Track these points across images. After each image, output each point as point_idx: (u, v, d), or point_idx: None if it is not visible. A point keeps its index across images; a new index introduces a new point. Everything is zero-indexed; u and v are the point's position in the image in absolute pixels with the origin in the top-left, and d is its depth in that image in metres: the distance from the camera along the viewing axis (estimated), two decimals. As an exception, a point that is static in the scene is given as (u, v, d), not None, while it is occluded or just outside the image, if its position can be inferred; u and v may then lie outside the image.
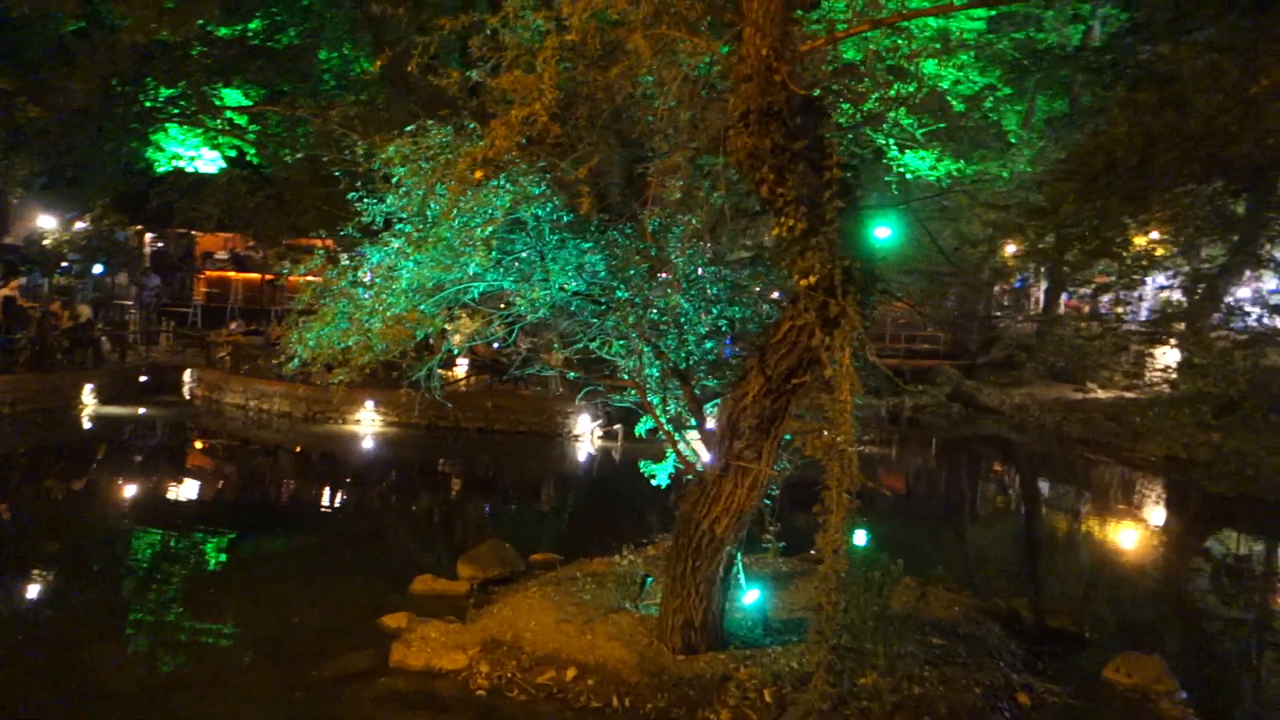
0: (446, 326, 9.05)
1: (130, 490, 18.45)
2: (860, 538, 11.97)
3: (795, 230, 6.86)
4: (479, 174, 6.82)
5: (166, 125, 28.99)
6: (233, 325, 27.59)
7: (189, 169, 38.08)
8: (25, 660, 9.83)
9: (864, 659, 9.05)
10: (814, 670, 7.61)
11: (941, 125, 23.31)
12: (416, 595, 11.76)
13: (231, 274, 36.03)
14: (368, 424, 23.74)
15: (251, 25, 31.08)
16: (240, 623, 11.17)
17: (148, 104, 26.10)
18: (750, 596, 10.05)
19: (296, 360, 9.12)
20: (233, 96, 32.35)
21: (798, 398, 8.11)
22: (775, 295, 10.72)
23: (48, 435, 22.17)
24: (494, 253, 8.64)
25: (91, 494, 18.11)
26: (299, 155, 24.87)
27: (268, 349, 25.93)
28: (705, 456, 9.29)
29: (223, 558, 14.37)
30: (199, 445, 23.17)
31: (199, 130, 35.32)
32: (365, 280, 9.17)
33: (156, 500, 17.74)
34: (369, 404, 23.75)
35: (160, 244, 39.26)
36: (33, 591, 12.46)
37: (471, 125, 8.70)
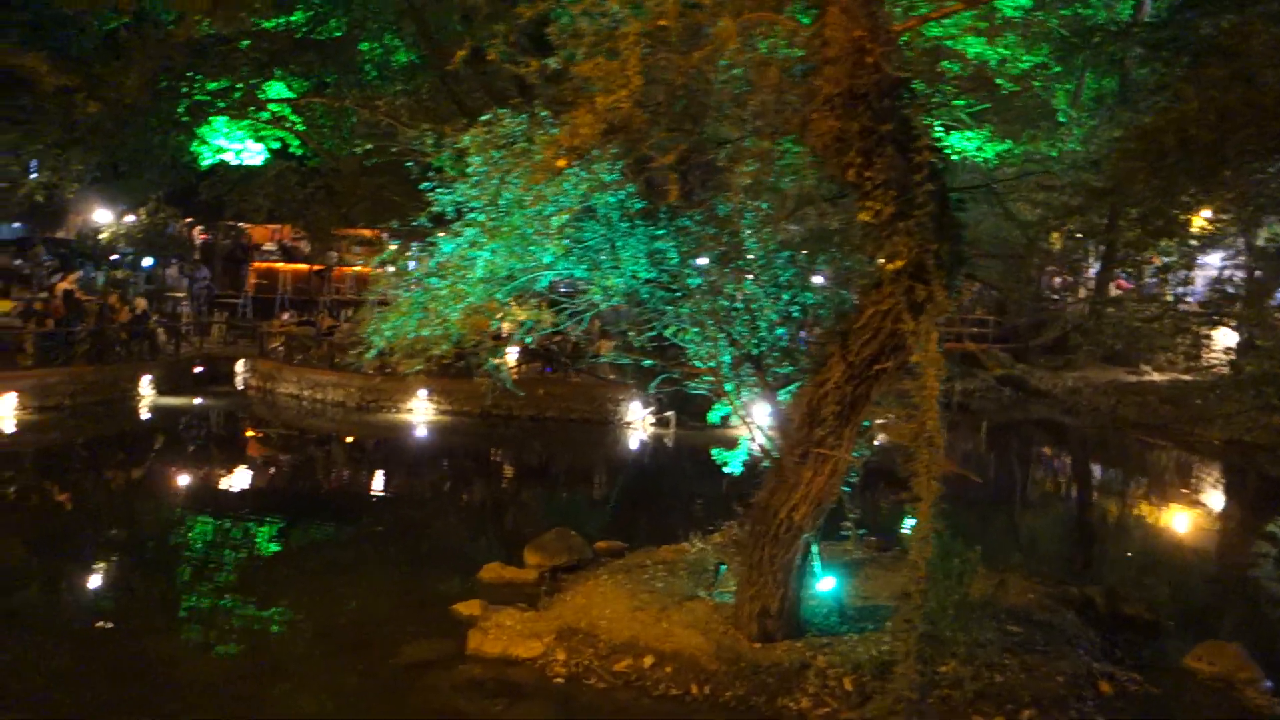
0: (522, 316, 9.00)
1: (189, 479, 18.66)
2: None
3: (883, 214, 6.76)
4: (562, 162, 6.78)
5: (211, 119, 29.15)
6: (285, 316, 27.84)
7: (234, 162, 38.46)
8: (98, 649, 9.99)
9: (944, 647, 8.95)
10: (900, 659, 7.53)
11: (988, 105, 22.97)
12: (486, 583, 11.79)
13: (280, 265, 36.33)
14: (420, 413, 23.86)
15: (294, 18, 31.21)
16: (312, 610, 11.27)
17: (197, 97, 26.28)
18: (825, 584, 9.98)
19: (373, 350, 9.12)
20: (277, 89, 32.56)
21: (879, 384, 8.01)
22: (818, 281, 10.63)
23: (107, 426, 22.49)
24: (565, 241, 8.60)
25: (150, 483, 18.34)
26: (360, 147, 24.87)
27: (320, 339, 26.16)
28: (780, 443, 9.22)
29: (286, 546, 14.52)
30: (255, 435, 23.41)
31: (244, 123, 35.63)
32: (437, 270, 9.14)
33: (215, 489, 17.95)
34: (422, 393, 23.87)
35: (207, 236, 39.64)
36: (99, 580, 12.66)
37: (544, 114, 8.65)
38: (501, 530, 16.11)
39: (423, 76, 29.47)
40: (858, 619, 9.97)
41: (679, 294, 9.40)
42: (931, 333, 6.99)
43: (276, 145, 42.05)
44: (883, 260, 7.05)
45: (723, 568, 10.31)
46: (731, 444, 13.35)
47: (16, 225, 33.63)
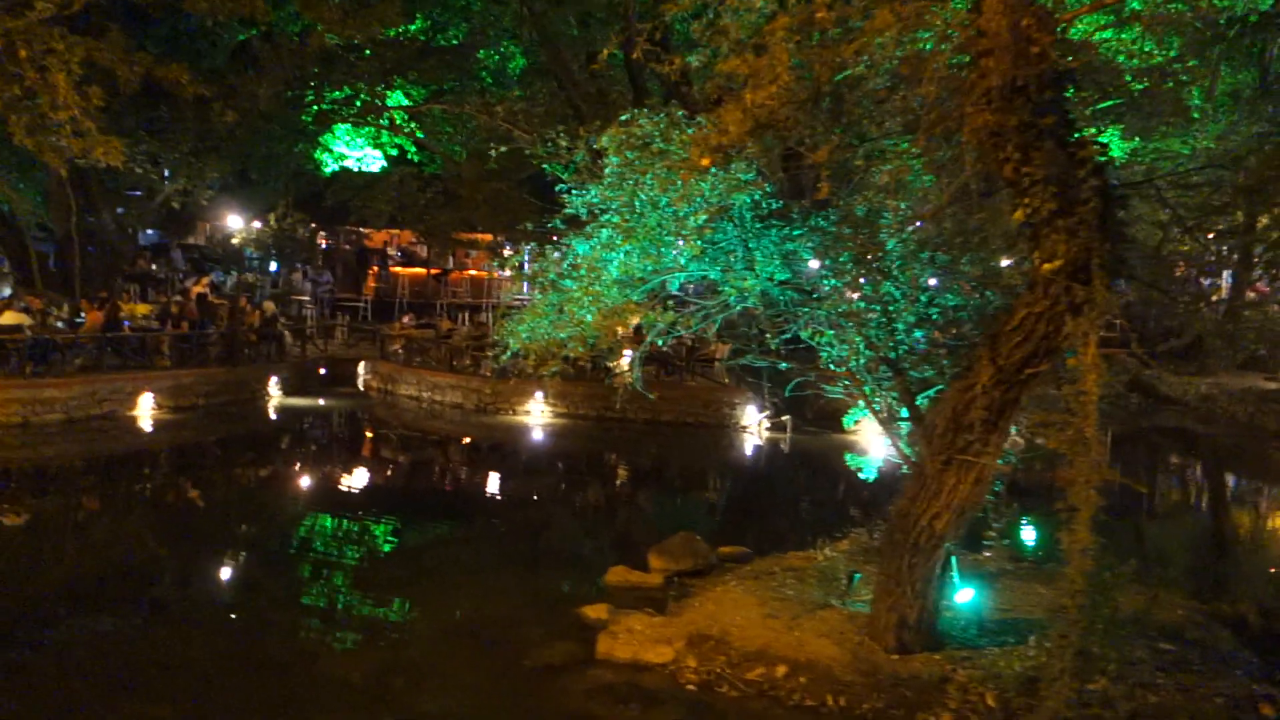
0: (659, 319, 8.93)
1: (314, 478, 19.13)
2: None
3: (1040, 212, 6.48)
4: (706, 160, 6.67)
5: (334, 127, 29.98)
6: (405, 319, 28.39)
7: (355, 169, 39.50)
8: (236, 643, 10.22)
9: (1094, 663, 8.54)
10: (1053, 675, 7.22)
11: (1119, 100, 22.11)
12: (611, 586, 11.75)
13: (399, 269, 37.11)
14: (537, 415, 24.04)
15: (414, 27, 31.89)
16: (438, 609, 11.39)
17: (324, 106, 27.05)
18: (964, 595, 9.67)
19: (509, 353, 9.15)
20: (396, 97, 33.32)
21: (1029, 389, 7.70)
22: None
23: (237, 425, 23.21)
24: (699, 242, 8.49)
25: (277, 481, 18.85)
26: (493, 150, 25.19)
27: (439, 342, 26.60)
28: (921, 449, 8.94)
29: (410, 544, 14.71)
30: (376, 435, 23.87)
31: (365, 131, 36.54)
32: (570, 271, 9.14)
33: (338, 487, 18.36)
34: (538, 395, 24.04)
35: (328, 241, 40.77)
36: (230, 575, 12.99)
37: (680, 113, 8.56)
38: (621, 533, 16.08)
39: (540, 82, 29.83)
40: (997, 632, 9.63)
41: (814, 295, 9.21)
42: (1091, 335, 6.69)
43: (394, 152, 43.13)
44: (1038, 260, 6.75)
45: (857, 576, 10.08)
46: (851, 449, 13.05)
47: (150, 231, 35.14)
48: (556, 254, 9.34)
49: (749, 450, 22.54)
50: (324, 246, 39.89)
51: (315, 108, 26.89)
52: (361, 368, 29.34)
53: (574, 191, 8.98)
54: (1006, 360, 7.48)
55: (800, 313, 9.22)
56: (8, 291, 24.75)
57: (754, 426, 23.58)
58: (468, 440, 23.34)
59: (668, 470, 21.18)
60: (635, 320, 8.82)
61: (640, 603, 10.91)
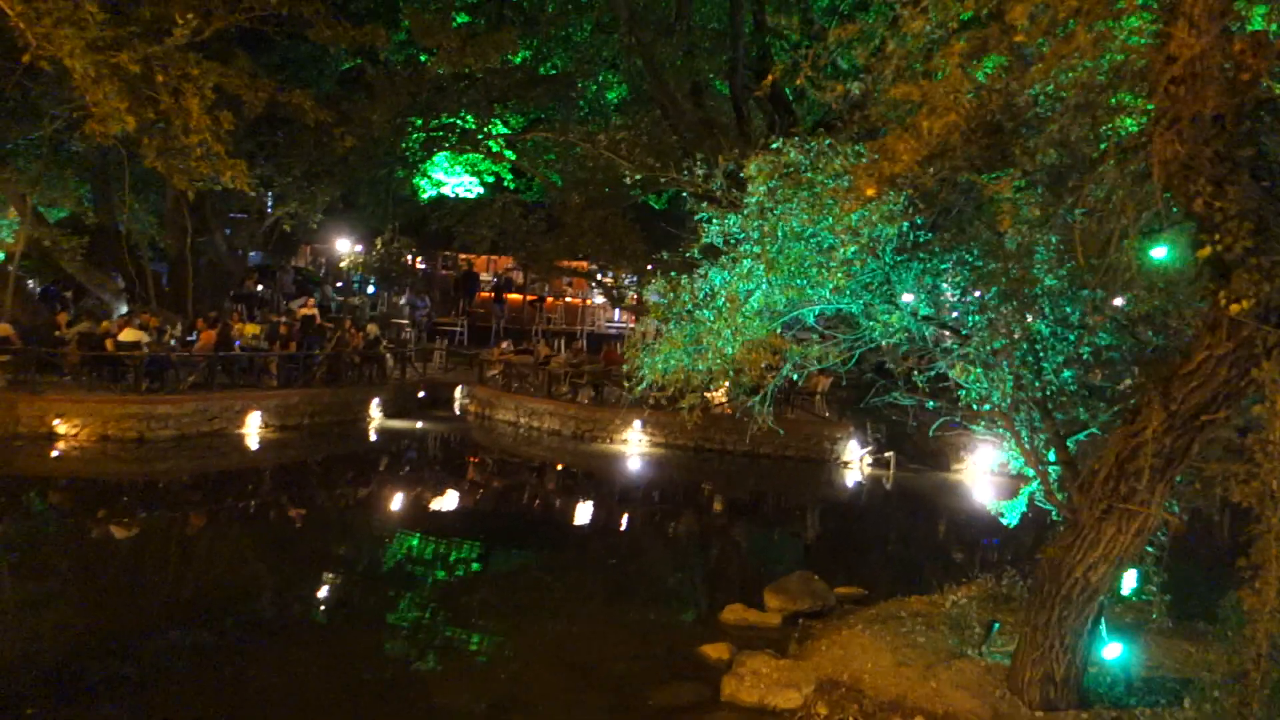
0: (805, 352, 8.67)
1: (414, 501, 19.15)
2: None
3: (1234, 249, 6.09)
4: (873, 190, 6.42)
5: (435, 154, 30.42)
6: (504, 345, 28.51)
7: (451, 195, 40.06)
8: (347, 670, 10.10)
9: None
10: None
11: None
12: (727, 625, 11.47)
13: (494, 295, 37.42)
14: (635, 444, 23.85)
15: (516, 58, 32.29)
16: (549, 642, 11.18)
17: (431, 134, 27.45)
18: (1111, 650, 9.16)
19: (644, 383, 8.97)
20: (494, 125, 33.70)
21: (1203, 436, 7.25)
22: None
23: (339, 446, 23.45)
24: (841, 274, 8.21)
25: (379, 503, 18.87)
26: (630, 177, 25.27)
27: (537, 368, 26.62)
28: (1075, 496, 8.50)
29: (514, 573, 14.55)
30: (476, 460, 23.89)
31: (464, 158, 37.07)
32: (704, 302, 8.93)
33: (439, 512, 18.37)
34: (636, 424, 23.88)
35: (424, 266, 41.32)
36: (336, 599, 12.91)
37: (827, 141, 8.33)
38: (727, 568, 15.79)
39: (639, 111, 29.90)
40: (1146, 691, 9.09)
41: (960, 332, 8.87)
42: (1280, 381, 6.25)
43: (490, 179, 43.65)
44: (1224, 300, 6.35)
45: (995, 626, 9.63)
46: (960, 489, 12.52)
47: (254, 254, 36.02)
48: (692, 284, 9.13)
49: (851, 486, 22.05)
50: (420, 272, 40.43)
51: (421, 135, 27.27)
52: (458, 392, 29.52)
53: (714, 221, 8.78)
54: (1180, 405, 7.06)
55: (946, 349, 8.87)
56: (124, 309, 25.43)
57: (855, 462, 23.10)
58: (566, 468, 23.23)
59: (770, 505, 20.82)
60: (778, 354, 8.56)
61: (759, 643, 10.59)
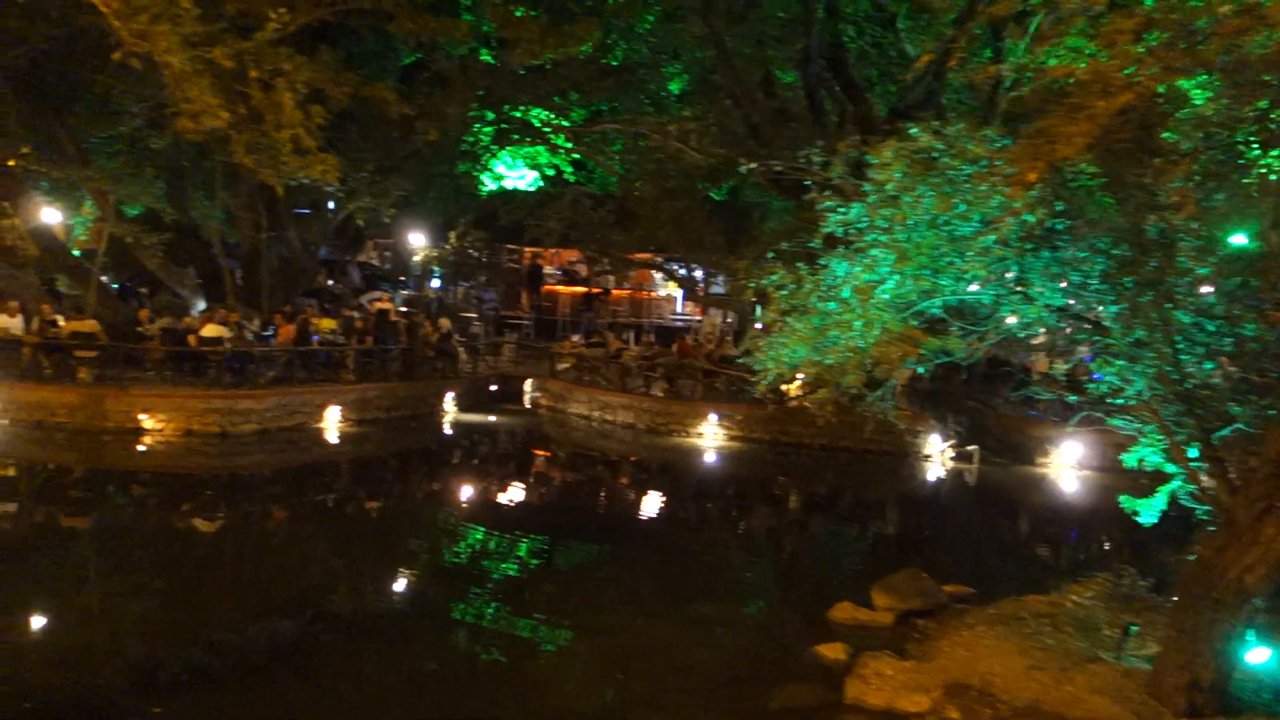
0: (946, 344, 8.37)
1: (493, 495, 19.11)
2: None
3: None
4: (1034, 175, 6.11)
5: (496, 147, 30.35)
6: (575, 338, 28.37)
7: (510, 188, 39.98)
8: (453, 675, 9.97)
9: None
10: None
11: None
12: (838, 623, 11.20)
13: (560, 288, 37.35)
14: (710, 438, 23.62)
15: (584, 48, 32.05)
16: (658, 641, 10.95)
17: (502, 127, 27.36)
18: (1257, 655, 8.76)
19: (770, 377, 8.71)
20: (545, 117, 33.46)
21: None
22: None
23: (415, 439, 23.48)
24: (983, 264, 7.88)
25: (458, 496, 18.83)
26: (733, 163, 24.88)
27: (610, 361, 26.46)
28: (1228, 495, 8.12)
29: (608, 570, 14.34)
30: (551, 453, 23.80)
31: (525, 150, 36.94)
32: (828, 293, 8.64)
33: (520, 506, 18.31)
34: (712, 417, 23.64)
35: (486, 258, 41.29)
36: (423, 594, 12.74)
37: (959, 125, 8.00)
38: (821, 564, 15.51)
39: (706, 101, 29.51)
40: (1292, 698, 8.70)
41: (1099, 322, 8.51)
42: None
43: (552, 172, 43.46)
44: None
45: (1133, 629, 9.26)
46: (1047, 484, 12.09)
47: (322, 250, 36.24)
48: (814, 275, 8.84)
49: (935, 481, 21.64)
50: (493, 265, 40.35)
51: (491, 129, 27.18)
52: (528, 385, 29.47)
53: (841, 209, 8.47)
54: (1355, 400, 6.67)
55: (1088, 341, 8.51)
56: (202, 304, 25.64)
57: (937, 456, 22.66)
58: (644, 462, 23.05)
59: (855, 499, 20.49)
60: (917, 346, 8.25)
61: (873, 643, 10.31)
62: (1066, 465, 21.95)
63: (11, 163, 21.40)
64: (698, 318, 38.79)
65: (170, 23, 12.50)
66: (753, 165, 14.95)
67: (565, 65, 25.56)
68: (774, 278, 8.85)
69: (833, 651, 10.07)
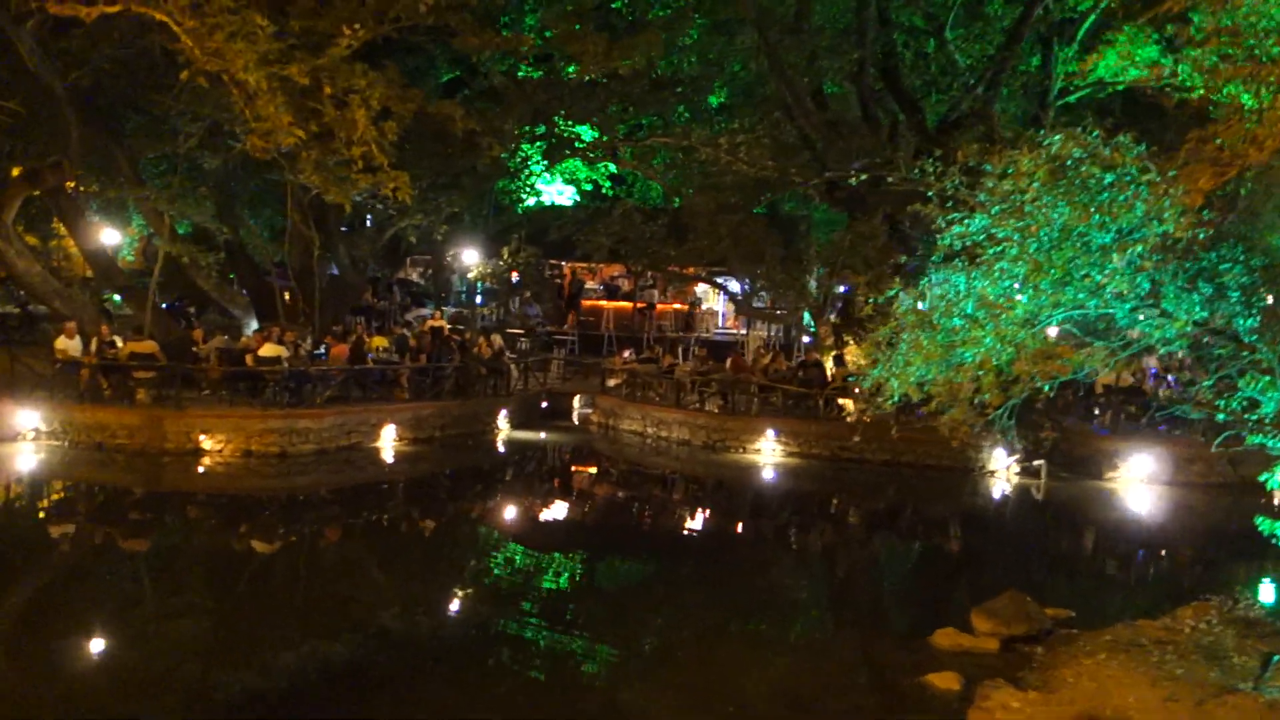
0: (1090, 360, 8.01)
1: (551, 514, 18.87)
2: None
3: None
4: (1208, 183, 5.76)
5: (559, 162, 30.19)
6: (626, 353, 28.06)
7: (548, 203, 39.87)
8: (557, 690, 9.69)
9: None
10: None
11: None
12: (940, 650, 10.80)
13: (604, 303, 37.10)
14: (768, 454, 23.23)
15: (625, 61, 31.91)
16: (759, 672, 10.57)
17: (550, 142, 27.19)
18: None
19: (895, 395, 8.37)
20: (586, 132, 33.29)
21: None
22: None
23: (469, 458, 23.21)
24: (1127, 276, 7.52)
25: (517, 517, 18.44)
26: (748, 182, 24.71)
27: (662, 376, 26.15)
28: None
29: (682, 593, 13.87)
30: (608, 471, 23.44)
31: (563, 165, 36.80)
32: (946, 309, 8.31)
33: (580, 526, 18.06)
34: (770, 433, 23.26)
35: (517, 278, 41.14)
36: (496, 620, 12.19)
37: (1095, 133, 7.67)
38: (907, 587, 15.13)
39: (748, 114, 29.27)
40: None
41: (1240, 338, 8.13)
42: None
43: (589, 187, 43.27)
44: None
45: (1275, 658, 8.84)
46: (1117, 499, 11.62)
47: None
48: (933, 290, 8.53)
49: (1002, 497, 21.15)
50: (514, 280, 40.26)
51: (542, 144, 27.02)
52: (577, 401, 29.18)
53: (966, 221, 8.14)
54: None
55: (1238, 357, 8.13)
56: (254, 324, 25.54)
57: (1002, 471, 22.17)
58: (703, 479, 22.65)
59: (923, 516, 20.02)
60: (1059, 362, 7.89)
61: (980, 670, 9.95)
62: (1136, 479, 21.42)
63: (69, 184, 21.38)
64: (740, 332, 38.46)
65: (246, 41, 12.33)
66: (859, 175, 14.54)
67: (615, 80, 25.37)
68: (891, 293, 8.52)
69: (944, 681, 9.69)
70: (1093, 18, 28.01)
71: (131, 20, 16.44)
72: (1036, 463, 21.84)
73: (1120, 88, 31.19)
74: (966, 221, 8.12)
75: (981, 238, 8.30)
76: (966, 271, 8.23)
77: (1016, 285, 7.78)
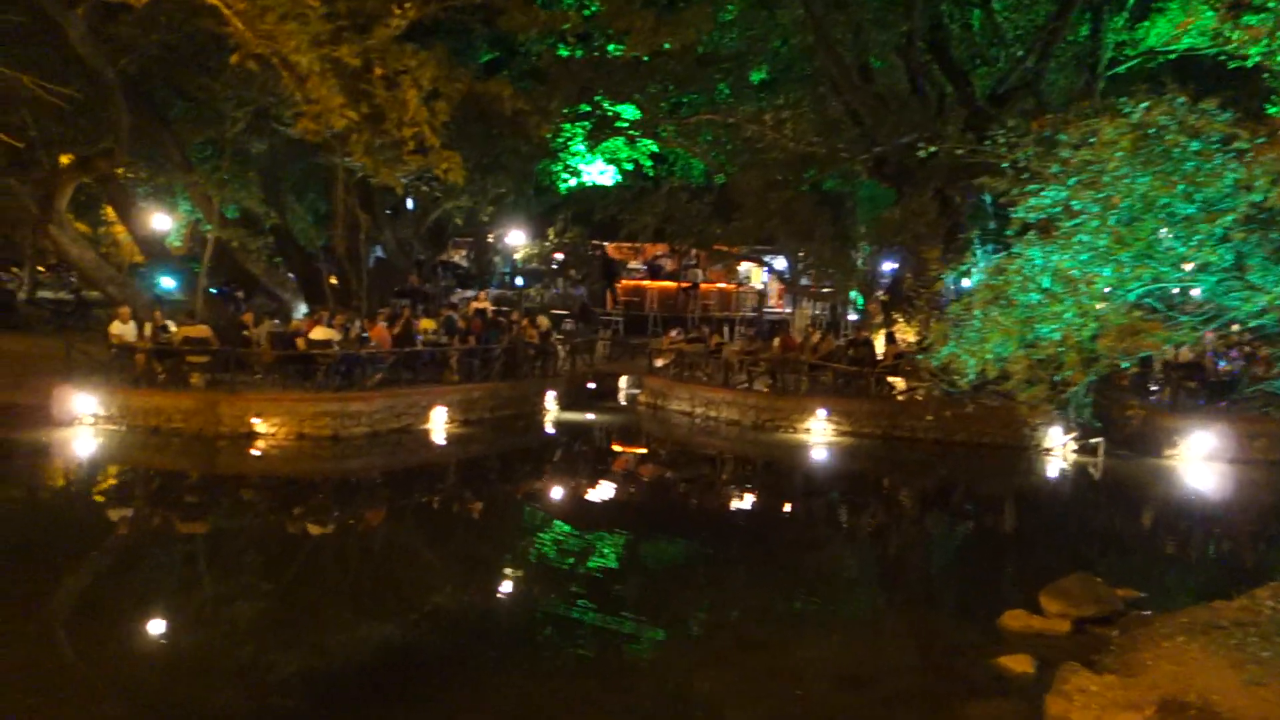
0: (1178, 336, 7.77)
1: (609, 496, 18.78)
2: None
3: None
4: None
5: (602, 141, 30.01)
6: (674, 333, 27.90)
7: (589, 183, 39.70)
8: (606, 690, 9.57)
9: None
10: None
11: None
12: (1009, 632, 10.60)
13: (647, 283, 36.96)
14: (819, 433, 23.01)
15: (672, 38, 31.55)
16: (821, 654, 10.35)
17: (594, 121, 27.01)
18: None
19: (971, 373, 8.16)
20: (629, 111, 33.04)
21: None
22: None
23: (518, 439, 23.19)
24: (1220, 249, 7.26)
25: (568, 496, 18.35)
26: (795, 159, 24.41)
27: (710, 356, 25.99)
28: None
29: (747, 577, 13.62)
30: (659, 451, 23.34)
31: (605, 145, 36.57)
32: (1021, 284, 8.07)
33: (638, 508, 17.91)
34: (820, 412, 23.05)
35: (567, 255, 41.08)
36: (552, 601, 12.03)
37: (1180, 100, 7.38)
38: (966, 566, 14.88)
39: (786, 91, 28.91)
40: None
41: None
42: None
43: (630, 167, 43.01)
44: None
45: (1365, 640, 8.57)
46: (1177, 476, 11.29)
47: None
48: (1009, 264, 8.28)
49: (1059, 475, 20.81)
50: (558, 261, 40.20)
51: (588, 122, 26.85)
52: (623, 382, 29.10)
53: (1043, 193, 7.90)
54: None
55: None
56: (304, 309, 25.66)
57: (1059, 449, 21.81)
58: (754, 459, 22.51)
59: (979, 495, 19.77)
60: (1148, 338, 7.64)
61: (1053, 653, 9.75)
62: (1197, 457, 20.98)
63: (119, 170, 21.52)
64: (785, 310, 38.19)
65: (297, 22, 12.26)
66: (923, 147, 14.21)
67: (658, 57, 25.12)
68: (965, 266, 8.29)
69: (1018, 664, 9.50)
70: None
71: (180, 4, 16.47)
72: (1094, 440, 21.46)
73: (1172, 56, 30.57)
74: (1044, 193, 7.88)
75: (1057, 210, 8.05)
76: (1042, 245, 7.98)
77: (1095, 258, 7.52)
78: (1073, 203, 7.84)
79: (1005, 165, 8.33)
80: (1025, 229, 8.33)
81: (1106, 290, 7.46)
